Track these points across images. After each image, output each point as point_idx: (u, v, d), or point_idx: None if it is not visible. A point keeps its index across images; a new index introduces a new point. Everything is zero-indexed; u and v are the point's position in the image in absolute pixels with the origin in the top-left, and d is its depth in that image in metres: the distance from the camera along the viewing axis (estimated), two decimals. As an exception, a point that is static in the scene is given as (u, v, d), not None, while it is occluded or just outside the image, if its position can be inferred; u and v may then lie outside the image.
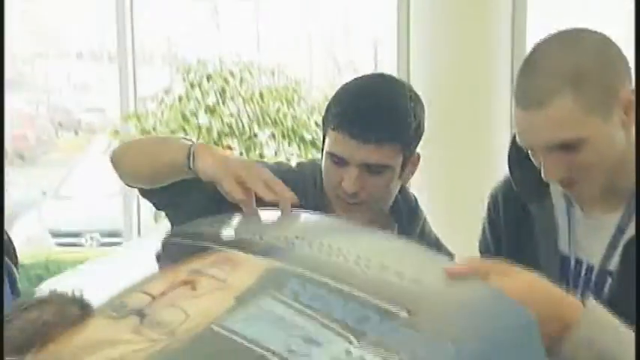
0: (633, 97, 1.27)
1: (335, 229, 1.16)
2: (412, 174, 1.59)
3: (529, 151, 1.32)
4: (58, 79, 9.38)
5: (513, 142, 1.42)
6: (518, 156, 1.39)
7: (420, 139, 1.55)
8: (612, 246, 1.32)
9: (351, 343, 0.83)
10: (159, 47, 6.84)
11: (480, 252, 1.59)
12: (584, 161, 1.25)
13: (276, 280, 1.00)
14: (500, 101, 3.19)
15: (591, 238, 1.36)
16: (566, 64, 1.25)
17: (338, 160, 1.49)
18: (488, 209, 1.57)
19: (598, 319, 0.93)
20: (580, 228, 1.38)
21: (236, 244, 1.15)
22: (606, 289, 1.32)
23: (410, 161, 1.54)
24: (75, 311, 0.99)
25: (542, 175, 1.28)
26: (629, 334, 0.94)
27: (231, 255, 1.11)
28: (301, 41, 6.65)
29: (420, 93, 1.60)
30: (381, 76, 1.65)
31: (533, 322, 0.85)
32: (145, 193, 1.58)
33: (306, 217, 1.26)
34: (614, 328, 0.94)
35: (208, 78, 4.51)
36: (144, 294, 1.02)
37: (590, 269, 1.36)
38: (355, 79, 1.59)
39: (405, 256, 1.03)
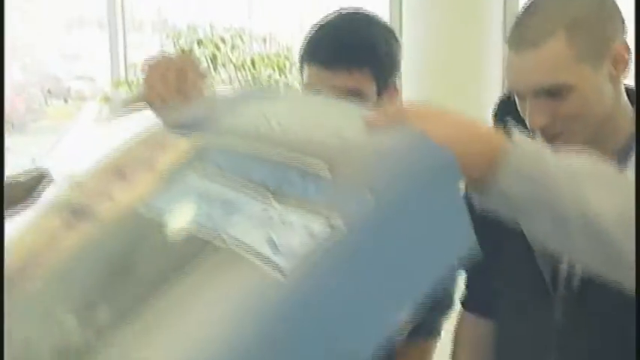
0: (625, 53, 1.28)
1: (261, 97, 1.13)
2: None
3: (516, 100, 1.31)
4: (47, 47, 9.30)
5: (499, 103, 1.46)
6: (502, 115, 1.39)
7: (394, 69, 1.57)
8: None
9: (270, 204, 0.82)
10: (149, 14, 6.77)
11: None
12: (570, 110, 1.25)
13: (201, 155, 0.99)
14: (491, 81, 3.26)
15: None
16: (563, 10, 1.27)
17: (314, 93, 1.51)
18: None
19: (526, 150, 0.89)
20: None
21: (165, 123, 1.15)
22: None
23: (386, 91, 1.54)
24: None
25: (527, 123, 1.27)
26: (565, 165, 0.91)
27: (160, 136, 1.10)
28: (293, 8, 6.61)
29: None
30: (355, 10, 1.64)
31: (452, 163, 0.83)
32: None
33: (232, 92, 1.26)
34: (544, 159, 0.90)
35: (199, 44, 4.48)
36: (76, 187, 1.04)
37: None
38: (328, 14, 1.60)
39: (328, 113, 1.01)
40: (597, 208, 0.88)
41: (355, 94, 1.47)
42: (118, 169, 1.05)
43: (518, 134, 0.90)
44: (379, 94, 1.53)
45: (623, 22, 1.31)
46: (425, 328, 1.60)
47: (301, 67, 1.57)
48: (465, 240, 0.83)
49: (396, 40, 1.61)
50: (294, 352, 0.71)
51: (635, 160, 1.06)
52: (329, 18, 1.59)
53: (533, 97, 1.26)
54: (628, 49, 1.30)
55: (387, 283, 0.77)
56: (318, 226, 0.75)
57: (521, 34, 1.29)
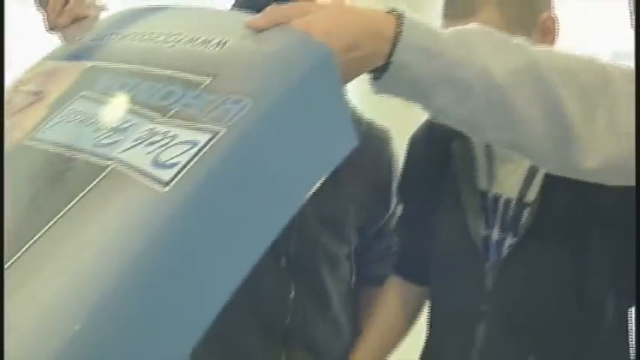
0: (551, 24, 1.34)
1: (149, 15, 1.12)
2: None
3: None
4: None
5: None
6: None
7: None
8: (528, 179, 1.36)
9: (154, 120, 0.82)
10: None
11: (400, 200, 1.63)
12: None
13: (88, 80, 0.99)
14: None
15: (508, 173, 1.40)
16: None
17: None
18: (409, 154, 1.58)
19: (419, 26, 0.88)
20: (497, 164, 1.40)
21: (55, 54, 1.14)
22: (523, 219, 1.35)
23: None
24: None
25: None
26: (458, 34, 0.92)
27: (49, 65, 1.09)
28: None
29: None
30: None
31: (328, 56, 0.81)
32: None
33: (121, 12, 1.22)
34: (438, 33, 0.90)
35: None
36: None
37: (507, 202, 1.38)
38: None
39: (214, 23, 1.00)
40: (494, 70, 0.89)
41: None
42: (9, 105, 1.03)
43: (407, 17, 0.88)
44: None
45: None
46: (375, 275, 1.65)
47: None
48: (345, 138, 0.83)
49: None
50: (181, 253, 0.71)
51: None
52: None
53: None
54: (554, 20, 1.35)
55: (269, 183, 0.77)
56: (199, 136, 0.75)
57: (457, 5, 1.33)
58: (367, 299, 1.64)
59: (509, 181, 1.39)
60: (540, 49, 0.97)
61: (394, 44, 0.85)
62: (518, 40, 0.95)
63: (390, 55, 0.85)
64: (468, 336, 1.38)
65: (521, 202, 1.37)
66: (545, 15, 1.32)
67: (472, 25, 0.94)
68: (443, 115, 0.94)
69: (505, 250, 1.36)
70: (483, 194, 1.40)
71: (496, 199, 1.40)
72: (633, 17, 1.12)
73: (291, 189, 0.79)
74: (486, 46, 0.91)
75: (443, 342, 1.46)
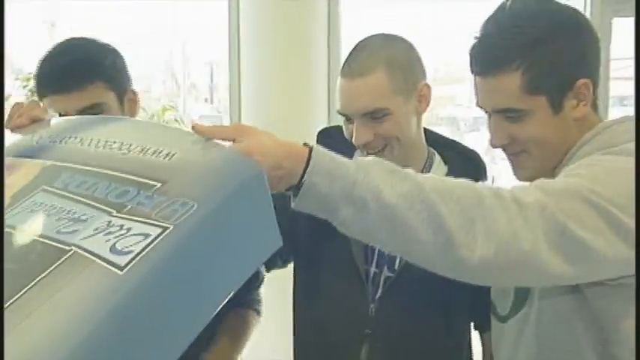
0: (427, 92, 1.54)
1: (104, 124, 1.27)
2: (136, 107, 1.73)
3: (344, 121, 1.55)
4: None
5: (319, 134, 1.71)
6: (323, 140, 1.59)
7: (125, 77, 1.70)
8: None
9: (111, 214, 0.96)
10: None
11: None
12: (387, 131, 1.48)
13: (49, 175, 1.11)
14: (319, 107, 3.62)
15: None
16: (384, 51, 1.51)
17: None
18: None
19: (326, 154, 1.09)
20: None
21: (17, 151, 1.25)
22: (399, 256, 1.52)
23: (126, 98, 1.68)
24: None
25: (354, 140, 1.50)
26: (358, 162, 1.10)
27: (12, 161, 1.20)
28: (143, 59, 6.67)
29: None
30: (72, 38, 1.74)
31: (260, 172, 1.00)
32: None
33: (77, 118, 1.41)
34: (341, 160, 1.10)
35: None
36: None
37: None
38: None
39: (163, 136, 1.16)
40: (386, 192, 1.07)
41: (97, 108, 1.58)
42: None
43: (318, 147, 1.09)
44: (120, 101, 1.66)
45: (423, 67, 1.57)
46: (241, 300, 1.81)
47: (41, 100, 1.62)
48: (272, 239, 1.01)
49: (118, 53, 1.71)
50: (132, 330, 0.85)
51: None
52: (49, 50, 1.66)
53: (360, 118, 1.48)
54: (429, 88, 1.55)
55: (208, 271, 0.93)
56: (151, 230, 0.91)
57: (352, 66, 1.50)
58: (235, 319, 1.80)
59: None
60: (424, 175, 1.14)
61: (305, 168, 1.06)
62: (407, 170, 1.12)
63: (303, 176, 1.06)
64: (354, 355, 1.57)
65: None
66: (422, 83, 1.52)
67: (370, 157, 1.14)
68: (347, 228, 1.11)
69: (383, 282, 1.55)
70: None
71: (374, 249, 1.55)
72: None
73: (224, 280, 0.96)
74: (380, 173, 1.09)
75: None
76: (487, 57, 1.32)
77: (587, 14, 3.50)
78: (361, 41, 1.56)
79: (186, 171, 1.02)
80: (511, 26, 1.30)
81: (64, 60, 1.60)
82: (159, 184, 0.99)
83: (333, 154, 1.10)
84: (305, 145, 1.09)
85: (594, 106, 1.34)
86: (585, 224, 1.12)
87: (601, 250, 1.13)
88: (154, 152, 1.07)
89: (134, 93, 1.71)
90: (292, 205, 1.09)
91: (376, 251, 1.56)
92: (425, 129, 1.62)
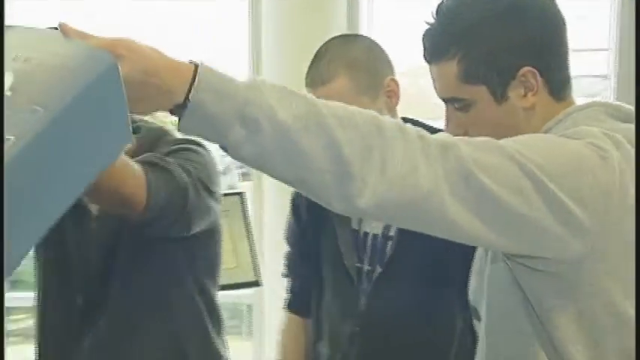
0: (396, 87, 1.58)
1: None
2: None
3: None
4: None
5: None
6: None
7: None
8: None
9: None
10: None
11: (288, 243, 1.89)
12: None
13: None
14: None
15: None
16: (344, 54, 1.56)
17: None
18: (293, 208, 1.86)
19: (214, 71, 0.99)
20: None
21: None
22: (388, 250, 1.62)
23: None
24: None
25: None
26: (250, 80, 1.01)
27: None
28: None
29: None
30: None
31: (113, 65, 0.92)
32: None
33: None
34: (231, 78, 1.00)
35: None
36: None
37: (375, 237, 1.64)
38: None
39: (27, 39, 1.07)
40: (281, 112, 0.98)
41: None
42: None
43: (204, 63, 1.00)
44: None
45: (390, 61, 1.61)
46: None
47: None
48: (123, 136, 0.98)
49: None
50: None
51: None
52: None
53: None
54: (397, 82, 1.59)
55: (61, 173, 0.91)
56: None
57: (314, 75, 1.55)
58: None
59: (374, 222, 1.64)
60: (324, 100, 1.06)
61: (191, 84, 0.96)
62: (304, 92, 1.06)
63: (188, 93, 0.97)
64: (348, 349, 1.66)
65: (385, 236, 1.63)
66: (388, 79, 1.55)
67: (263, 78, 1.07)
68: (237, 153, 1.02)
69: (373, 278, 1.63)
70: (355, 232, 1.66)
71: (365, 235, 1.65)
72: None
73: (75, 178, 0.94)
74: (274, 92, 1.01)
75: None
76: (428, 45, 1.30)
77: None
78: (320, 48, 1.62)
79: (39, 75, 0.96)
80: (450, 13, 1.27)
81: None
82: (9, 93, 0.92)
83: (222, 72, 1.01)
84: (190, 61, 1.00)
85: (558, 95, 1.27)
86: (498, 177, 1.05)
87: (517, 208, 1.06)
88: (15, 58, 0.98)
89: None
90: (178, 127, 1.00)
91: (368, 246, 1.65)
92: (407, 118, 1.64)
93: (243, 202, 2.70)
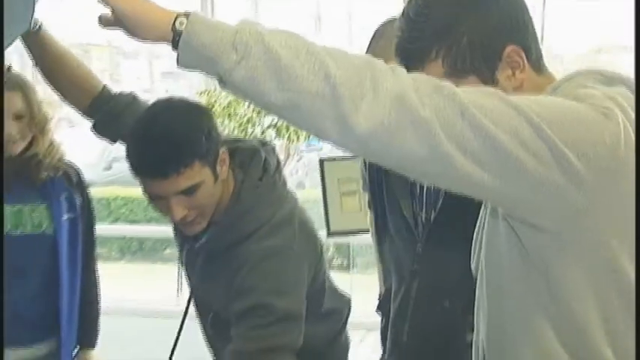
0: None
1: None
2: (224, 167, 1.65)
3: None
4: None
5: None
6: None
7: (215, 142, 1.60)
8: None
9: None
10: None
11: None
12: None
13: None
14: None
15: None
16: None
17: (155, 198, 1.58)
18: (363, 174, 2.02)
19: (201, 16, 1.07)
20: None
21: None
22: (440, 197, 1.72)
23: (217, 163, 1.61)
24: None
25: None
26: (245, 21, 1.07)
27: None
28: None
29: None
30: (164, 108, 1.67)
31: None
32: None
33: None
34: (220, 28, 1.06)
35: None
36: None
37: (429, 188, 1.74)
38: (135, 122, 1.64)
39: None
40: (271, 41, 1.03)
41: (194, 187, 1.54)
42: None
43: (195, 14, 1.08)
44: (214, 171, 1.59)
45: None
46: None
47: (135, 176, 1.59)
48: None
49: (210, 118, 1.66)
50: None
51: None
52: (134, 126, 1.61)
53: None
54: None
55: None
56: None
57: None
58: None
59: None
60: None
61: (187, 17, 1.07)
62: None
63: (174, 24, 1.07)
64: (407, 288, 1.77)
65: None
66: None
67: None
68: (230, 80, 1.05)
69: (429, 228, 1.74)
70: (413, 184, 1.75)
71: (421, 186, 1.74)
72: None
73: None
74: (264, 28, 1.06)
75: (396, 292, 1.84)
76: (407, 54, 1.27)
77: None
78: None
79: None
80: (419, 17, 1.25)
81: (162, 146, 1.51)
82: None
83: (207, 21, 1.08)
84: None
85: (538, 69, 1.28)
86: (494, 117, 1.03)
87: (514, 150, 1.03)
88: None
89: (223, 153, 1.65)
90: (177, 62, 1.09)
91: (424, 195, 1.74)
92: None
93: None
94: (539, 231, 1.14)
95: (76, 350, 2.35)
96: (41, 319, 2.23)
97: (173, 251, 1.97)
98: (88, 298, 2.37)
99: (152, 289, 6.61)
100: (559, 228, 1.12)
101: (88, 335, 2.38)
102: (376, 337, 2.03)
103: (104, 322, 2.44)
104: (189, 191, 1.53)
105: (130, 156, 1.55)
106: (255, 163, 1.71)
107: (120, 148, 1.67)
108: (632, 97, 1.15)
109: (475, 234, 1.34)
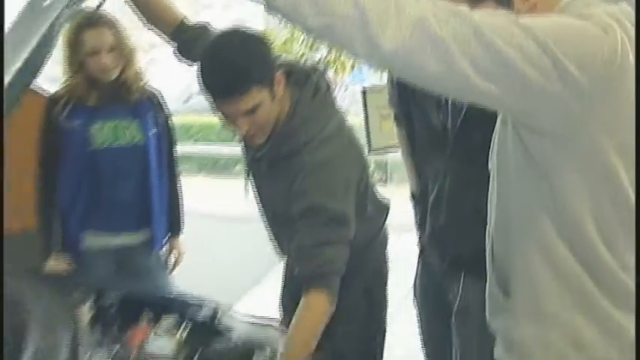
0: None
1: None
2: (281, 88, 1.63)
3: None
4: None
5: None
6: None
7: (272, 67, 1.60)
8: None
9: None
10: None
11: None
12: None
13: None
14: None
15: None
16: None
17: (225, 116, 1.58)
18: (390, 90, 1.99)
19: None
20: None
21: None
22: (464, 107, 1.66)
23: (274, 85, 1.59)
24: None
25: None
26: None
27: None
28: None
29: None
30: (230, 33, 1.65)
31: None
32: None
33: None
34: None
35: None
36: None
37: (454, 100, 1.65)
38: (204, 51, 1.61)
39: None
40: None
41: (257, 108, 1.54)
42: None
43: None
44: (272, 92, 1.57)
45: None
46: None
47: (204, 93, 1.58)
48: None
49: (267, 45, 1.64)
50: None
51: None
52: (205, 49, 1.60)
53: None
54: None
55: None
56: None
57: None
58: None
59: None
60: None
61: None
62: None
63: None
64: (440, 185, 1.77)
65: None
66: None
67: None
68: (273, 6, 1.03)
69: (456, 133, 1.70)
70: (439, 97, 1.69)
71: (446, 97, 1.67)
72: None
73: None
74: None
75: (431, 190, 1.83)
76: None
77: None
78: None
79: None
80: None
81: (228, 71, 1.52)
82: None
83: None
84: None
85: None
86: (503, 35, 1.01)
87: (519, 64, 1.01)
88: None
89: (279, 77, 1.62)
90: (265, 8, 1.05)
91: (449, 105, 1.68)
92: None
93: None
94: (542, 137, 1.12)
95: (166, 238, 2.47)
96: (138, 213, 2.34)
97: (241, 168, 1.97)
98: (174, 196, 2.47)
99: (224, 198, 6.78)
100: (560, 134, 1.10)
101: (175, 225, 2.49)
102: (411, 237, 2.05)
103: (185, 224, 2.54)
104: (251, 111, 1.54)
105: (201, 79, 1.56)
106: (308, 84, 1.70)
107: (196, 86, 1.70)
108: (631, 12, 1.11)
109: (492, 138, 1.32)
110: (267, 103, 1.57)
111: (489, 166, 1.34)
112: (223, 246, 5.23)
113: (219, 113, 1.59)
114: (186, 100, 10.78)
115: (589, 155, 1.11)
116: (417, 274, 2.00)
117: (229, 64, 1.52)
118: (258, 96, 1.53)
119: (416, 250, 2.00)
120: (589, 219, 1.14)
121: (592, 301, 1.17)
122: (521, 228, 1.22)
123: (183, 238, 2.54)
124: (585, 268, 1.16)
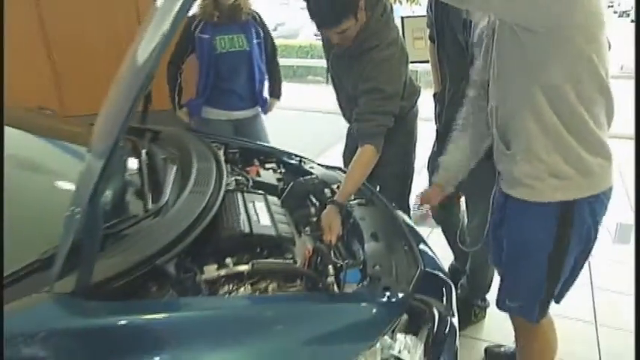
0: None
1: None
2: (362, 12, 1.62)
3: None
4: None
5: None
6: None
7: (357, 2, 1.57)
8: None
9: None
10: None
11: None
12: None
13: None
14: None
15: None
16: None
17: (323, 34, 1.71)
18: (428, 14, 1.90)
19: None
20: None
21: None
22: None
23: (357, 14, 1.60)
24: None
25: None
26: None
27: None
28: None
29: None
30: None
31: None
32: None
33: None
34: None
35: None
36: None
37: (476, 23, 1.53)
38: None
39: None
40: None
41: (346, 30, 1.59)
42: None
43: None
44: (356, 17, 1.59)
45: None
46: None
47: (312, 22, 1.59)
48: None
49: None
50: None
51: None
52: None
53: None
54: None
55: None
56: None
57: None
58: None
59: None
60: None
61: None
62: None
63: None
64: (457, 87, 1.70)
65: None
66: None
67: None
68: None
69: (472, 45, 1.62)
70: (465, 20, 1.66)
71: (470, 21, 1.60)
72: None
73: None
74: None
75: (450, 89, 1.78)
76: None
77: None
78: None
79: None
80: None
81: (325, 8, 1.53)
82: None
83: None
84: None
85: None
86: None
87: None
88: None
89: (362, 3, 1.61)
90: None
91: (473, 29, 1.54)
92: None
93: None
94: (534, 33, 1.11)
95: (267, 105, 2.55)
96: (249, 95, 2.44)
97: (312, 77, 1.98)
98: (275, 79, 2.56)
99: (302, 97, 6.85)
100: (549, 31, 1.09)
101: (275, 91, 2.57)
102: (431, 124, 1.99)
103: (273, 114, 2.57)
104: (342, 32, 1.60)
105: (308, 10, 1.57)
106: (379, 6, 1.70)
107: (280, 17, 1.71)
108: None
109: (492, 39, 1.28)
110: (353, 25, 1.60)
111: (494, 56, 1.31)
112: (304, 124, 5.41)
113: (320, 33, 1.63)
114: (275, 29, 10.68)
115: (566, 42, 1.10)
116: (432, 151, 2.01)
117: (326, 2, 1.54)
118: (346, 24, 1.58)
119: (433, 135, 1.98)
120: (569, 88, 1.13)
121: (569, 147, 1.19)
122: (518, 100, 1.21)
123: (275, 118, 2.59)
124: (566, 126, 1.17)
